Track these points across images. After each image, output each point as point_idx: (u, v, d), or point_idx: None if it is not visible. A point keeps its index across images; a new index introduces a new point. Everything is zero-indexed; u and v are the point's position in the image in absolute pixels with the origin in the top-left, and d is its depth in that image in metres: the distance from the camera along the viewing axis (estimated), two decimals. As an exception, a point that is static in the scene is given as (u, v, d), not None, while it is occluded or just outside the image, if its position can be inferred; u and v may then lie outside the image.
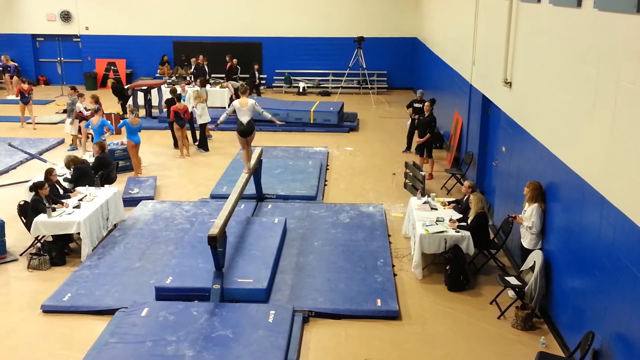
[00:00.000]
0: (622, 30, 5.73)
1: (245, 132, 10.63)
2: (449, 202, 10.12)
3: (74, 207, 9.70)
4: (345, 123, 17.94)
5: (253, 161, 10.99)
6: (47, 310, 7.96)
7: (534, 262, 7.74)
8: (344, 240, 10.00)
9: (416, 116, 14.72)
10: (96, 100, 14.46)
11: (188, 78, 20.85)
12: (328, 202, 12.03)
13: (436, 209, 9.80)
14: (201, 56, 21.49)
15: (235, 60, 21.62)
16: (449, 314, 7.99)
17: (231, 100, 17.76)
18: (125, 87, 18.88)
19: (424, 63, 21.04)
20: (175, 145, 15.43)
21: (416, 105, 15.07)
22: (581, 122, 6.70)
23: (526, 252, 8.08)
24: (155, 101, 18.82)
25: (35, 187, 9.63)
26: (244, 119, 10.54)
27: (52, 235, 9.48)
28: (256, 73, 21.55)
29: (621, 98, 5.71)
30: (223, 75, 21.63)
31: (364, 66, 21.76)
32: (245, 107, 10.47)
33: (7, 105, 20.51)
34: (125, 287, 8.48)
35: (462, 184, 12.60)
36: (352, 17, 23.48)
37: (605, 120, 6.04)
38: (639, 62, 5.36)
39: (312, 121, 17.45)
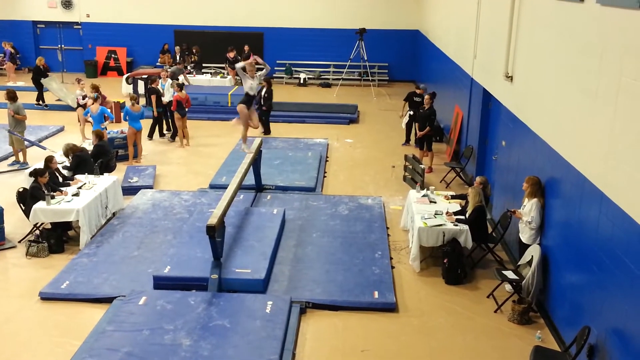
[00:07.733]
0: (625, 25, 5.71)
1: (250, 101, 11.20)
2: (452, 197, 10.09)
3: (73, 195, 9.70)
4: (342, 114, 18.06)
5: (253, 149, 11.10)
6: (45, 297, 7.97)
7: (532, 256, 7.75)
8: (343, 232, 10.01)
9: (411, 111, 14.71)
10: (96, 89, 14.52)
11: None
12: (327, 193, 12.03)
13: (435, 202, 9.80)
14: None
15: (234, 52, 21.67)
16: (446, 307, 8.01)
17: None
18: (126, 75, 18.86)
19: (426, 56, 20.98)
20: (172, 133, 15.60)
21: (416, 99, 14.98)
22: (582, 118, 6.69)
23: (524, 247, 8.08)
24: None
25: (36, 174, 9.63)
26: (251, 91, 11.12)
27: (50, 223, 9.49)
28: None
29: (622, 94, 5.70)
30: (224, 65, 21.76)
31: (365, 58, 21.69)
32: (255, 83, 11.14)
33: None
34: (123, 275, 8.49)
35: (461, 178, 12.65)
36: (354, 8, 23.41)
37: (606, 116, 6.03)
38: (641, 58, 5.35)
39: (229, 104, 17.55)
